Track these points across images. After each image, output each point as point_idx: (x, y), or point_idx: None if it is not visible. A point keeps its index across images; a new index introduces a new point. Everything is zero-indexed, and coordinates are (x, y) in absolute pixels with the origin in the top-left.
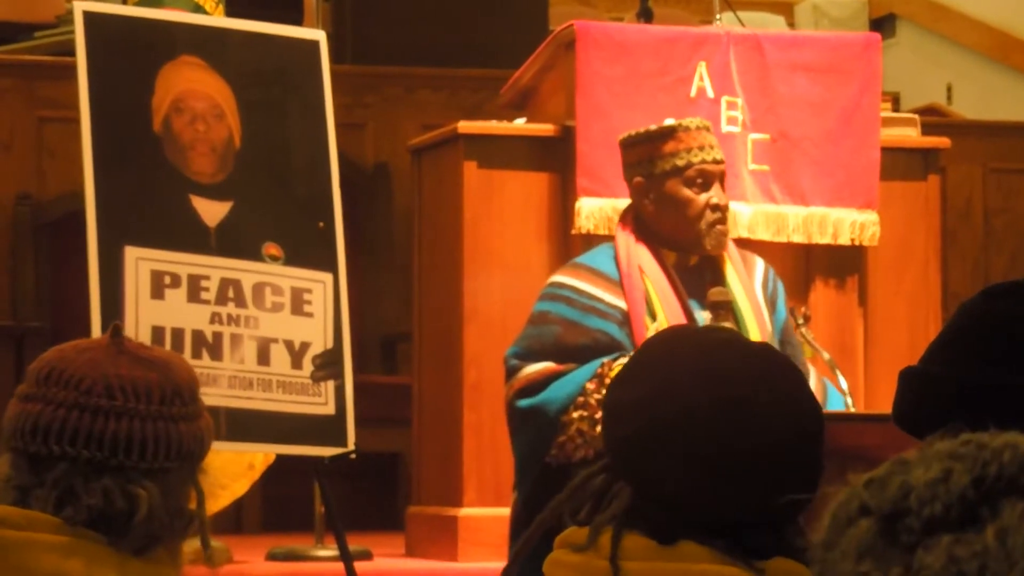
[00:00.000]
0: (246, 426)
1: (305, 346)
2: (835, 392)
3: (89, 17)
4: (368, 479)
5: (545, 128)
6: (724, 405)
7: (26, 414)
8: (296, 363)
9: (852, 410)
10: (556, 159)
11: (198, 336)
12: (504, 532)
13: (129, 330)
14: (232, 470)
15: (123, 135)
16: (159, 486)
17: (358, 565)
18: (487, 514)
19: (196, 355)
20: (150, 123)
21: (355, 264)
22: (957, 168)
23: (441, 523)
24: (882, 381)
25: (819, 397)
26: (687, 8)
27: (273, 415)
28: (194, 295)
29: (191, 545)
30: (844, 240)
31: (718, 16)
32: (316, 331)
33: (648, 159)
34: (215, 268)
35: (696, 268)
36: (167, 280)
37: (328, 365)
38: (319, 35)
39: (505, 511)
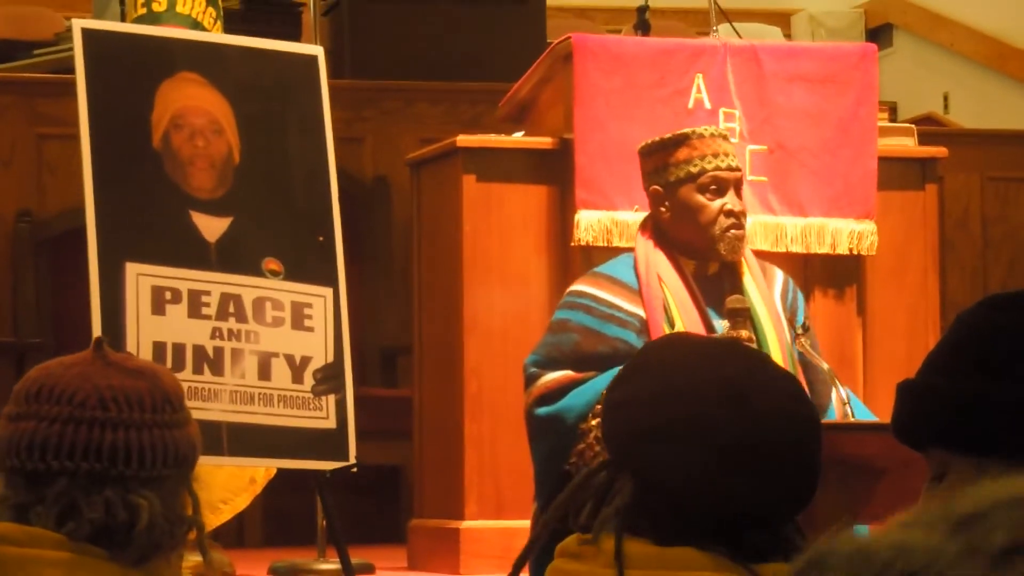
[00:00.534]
0: (247, 441)
1: (306, 360)
2: (859, 403)
3: (88, 34)
4: (369, 492)
5: (543, 141)
6: (727, 402)
7: (20, 432)
8: (297, 377)
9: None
10: (554, 172)
11: (199, 351)
12: (506, 544)
13: (130, 346)
14: (234, 484)
15: (123, 151)
16: (157, 494)
17: None
18: (489, 526)
19: (197, 370)
20: (149, 139)
21: (355, 278)
22: (955, 177)
23: (443, 535)
24: (881, 390)
25: (841, 407)
26: (684, 20)
27: (274, 429)
28: (195, 310)
29: (191, 560)
30: (842, 250)
31: (715, 28)
32: (317, 345)
33: (663, 167)
34: (215, 283)
35: (715, 277)
36: (168, 296)
37: (329, 379)
38: (317, 50)
39: (507, 523)
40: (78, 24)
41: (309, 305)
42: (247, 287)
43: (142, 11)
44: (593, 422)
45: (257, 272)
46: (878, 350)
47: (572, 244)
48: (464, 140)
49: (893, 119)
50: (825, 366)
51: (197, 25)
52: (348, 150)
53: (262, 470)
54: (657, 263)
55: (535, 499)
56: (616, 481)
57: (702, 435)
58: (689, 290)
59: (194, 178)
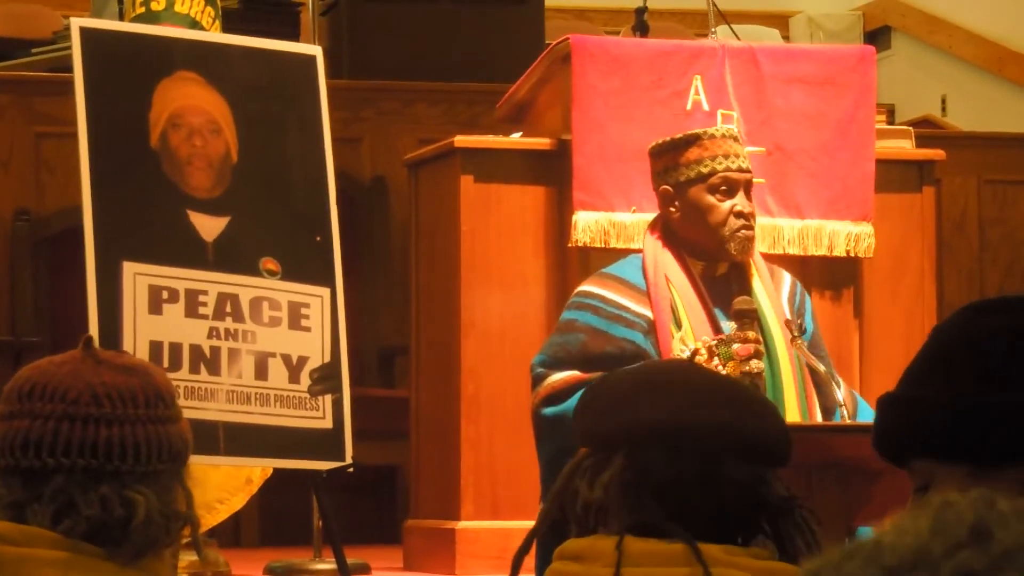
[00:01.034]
0: (244, 440)
1: (303, 360)
2: (865, 405)
3: (86, 33)
4: (366, 492)
5: (541, 142)
6: (697, 397)
7: (14, 431)
8: (294, 377)
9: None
10: (552, 173)
11: (196, 351)
12: (502, 544)
13: (127, 345)
14: (230, 484)
15: (121, 150)
16: (153, 489)
17: None
18: (485, 527)
19: (194, 370)
20: (147, 138)
21: (352, 278)
22: (952, 180)
23: (439, 536)
24: (877, 392)
25: (850, 408)
26: (682, 21)
27: (271, 429)
28: (192, 310)
29: (186, 559)
30: (839, 252)
31: (713, 29)
32: (314, 345)
33: (673, 167)
34: (213, 283)
35: (723, 278)
36: (165, 295)
37: (326, 379)
38: (316, 50)
39: (503, 524)
40: (76, 23)
41: (306, 305)
42: (244, 287)
43: (140, 10)
44: None
45: (254, 272)
46: (875, 352)
47: (569, 245)
48: (462, 141)
49: (891, 121)
50: (822, 368)
51: (195, 24)
52: (346, 150)
53: (258, 470)
54: (665, 264)
55: (541, 500)
56: (605, 462)
57: (677, 438)
58: (697, 291)
59: (192, 177)
